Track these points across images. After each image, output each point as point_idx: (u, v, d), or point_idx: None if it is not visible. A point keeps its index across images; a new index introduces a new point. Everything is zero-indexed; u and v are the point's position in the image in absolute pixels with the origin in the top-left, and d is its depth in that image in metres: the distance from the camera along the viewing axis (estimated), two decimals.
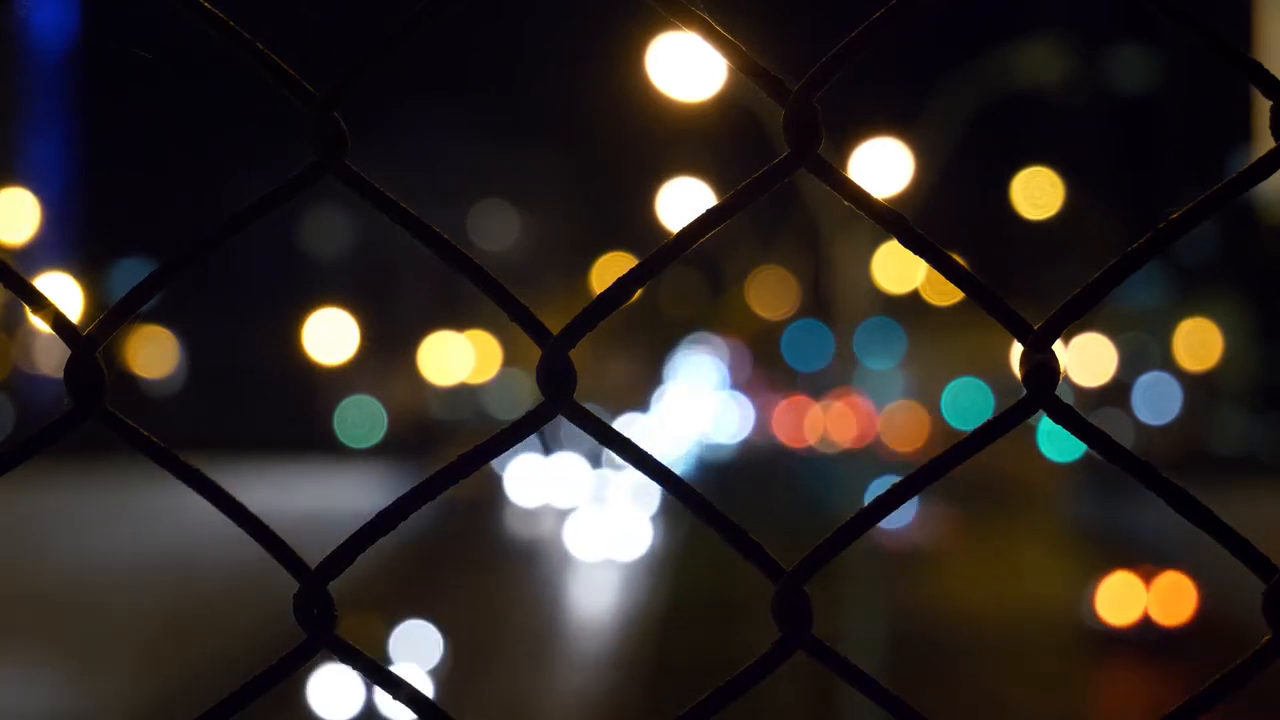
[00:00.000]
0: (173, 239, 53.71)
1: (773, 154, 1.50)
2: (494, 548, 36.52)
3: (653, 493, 38.87)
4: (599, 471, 40.86)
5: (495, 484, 43.78)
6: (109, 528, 37.08)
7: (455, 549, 33.82)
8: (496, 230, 67.54)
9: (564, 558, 34.72)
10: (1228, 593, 31.75)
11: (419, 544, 30.87)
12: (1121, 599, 30.70)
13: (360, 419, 61.25)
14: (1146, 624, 29.84)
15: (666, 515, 38.49)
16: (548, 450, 42.42)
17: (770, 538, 1.55)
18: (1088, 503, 39.48)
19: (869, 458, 24.02)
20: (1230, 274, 61.03)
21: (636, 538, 35.19)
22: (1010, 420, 1.49)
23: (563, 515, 39.32)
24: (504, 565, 33.67)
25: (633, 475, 39.77)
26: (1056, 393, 1.47)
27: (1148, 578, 30.59)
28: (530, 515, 41.40)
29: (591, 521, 36.24)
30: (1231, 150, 54.56)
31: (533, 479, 42.38)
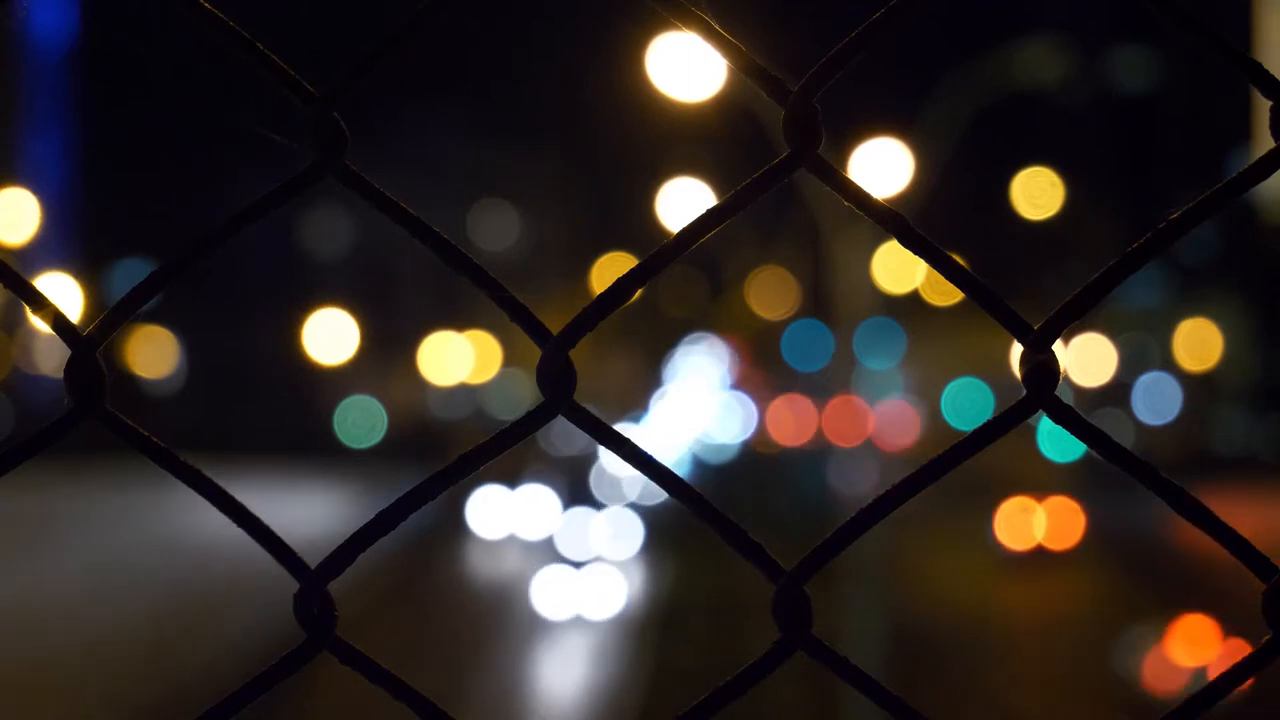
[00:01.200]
0: (173, 239, 53.74)
1: (773, 154, 1.50)
2: (446, 600, 30.08)
3: (634, 537, 34.22)
4: (572, 512, 34.81)
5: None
6: (101, 528, 37.07)
7: (399, 601, 28.23)
8: (496, 230, 67.54)
9: (528, 616, 28.29)
10: (1111, 517, 34.64)
11: (362, 588, 26.17)
12: (1017, 525, 33.50)
13: (360, 419, 61.26)
14: (1041, 550, 33.17)
15: (649, 560, 33.64)
16: (514, 484, 36.59)
17: (770, 538, 1.55)
18: (1088, 502, 39.57)
19: (848, 455, 24.20)
20: (1230, 274, 61.05)
21: (613, 590, 29.41)
22: (1010, 420, 1.49)
23: (529, 548, 34.10)
24: (452, 629, 27.05)
25: (612, 515, 34.75)
26: (1056, 393, 1.48)
27: (1039, 501, 33.76)
28: (493, 548, 35.69)
29: (560, 574, 30.00)
30: (1231, 150, 54.59)
31: (497, 510, 36.61)
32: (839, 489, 24.45)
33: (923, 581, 29.29)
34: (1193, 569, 29.49)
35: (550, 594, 28.77)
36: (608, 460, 39.04)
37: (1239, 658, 1.49)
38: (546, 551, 32.72)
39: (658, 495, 38.03)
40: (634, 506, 36.98)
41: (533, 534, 35.15)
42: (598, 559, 31.81)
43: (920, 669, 22.64)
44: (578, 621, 27.68)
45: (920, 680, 21.71)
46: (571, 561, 31.31)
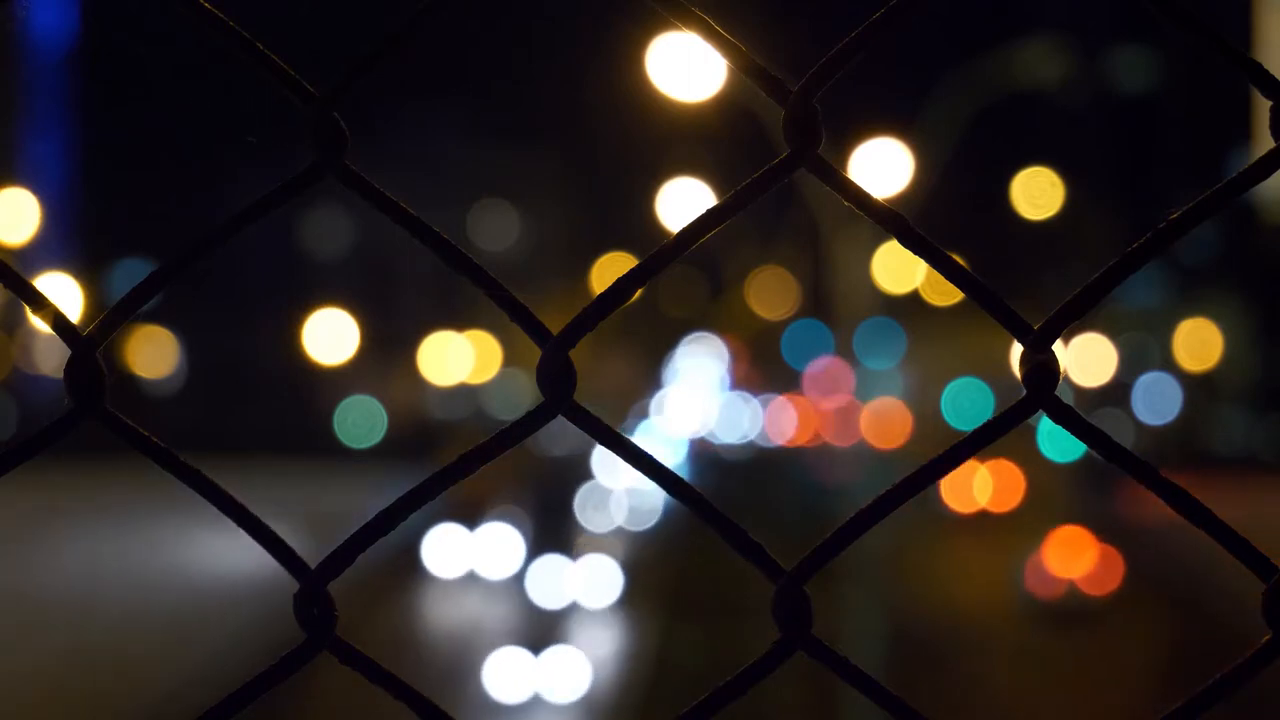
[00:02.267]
0: (173, 239, 53.74)
1: (773, 154, 1.50)
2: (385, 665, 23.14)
3: (613, 586, 29.21)
4: (540, 562, 29.65)
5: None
6: (98, 530, 37.03)
7: (321, 672, 20.08)
8: (496, 230, 67.56)
9: (478, 699, 22.50)
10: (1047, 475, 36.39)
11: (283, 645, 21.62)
12: (960, 487, 35.26)
13: (360, 419, 61.27)
14: (984, 514, 35.31)
15: (627, 616, 28.42)
16: (473, 524, 31.43)
17: (770, 538, 1.55)
18: (1088, 501, 39.70)
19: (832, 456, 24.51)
20: (1230, 274, 61.06)
21: (582, 663, 23.58)
22: (1010, 420, 1.49)
23: (490, 590, 29.93)
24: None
25: (592, 563, 29.76)
26: (1056, 393, 1.48)
27: (981, 462, 35.74)
28: (451, 589, 30.75)
29: (520, 654, 23.34)
30: (1231, 150, 54.59)
31: (455, 548, 31.68)
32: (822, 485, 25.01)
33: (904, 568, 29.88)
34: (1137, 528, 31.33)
35: (507, 670, 23.11)
36: (601, 477, 37.99)
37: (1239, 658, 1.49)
38: (511, 597, 28.99)
39: (646, 522, 36.98)
40: (620, 532, 35.03)
41: (492, 572, 30.94)
42: (572, 605, 28.13)
43: (920, 669, 22.66)
44: (537, 704, 22.77)
45: (920, 680, 21.72)
46: (542, 609, 27.77)
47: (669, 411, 58.51)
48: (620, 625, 27.87)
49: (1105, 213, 62.04)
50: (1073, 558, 28.87)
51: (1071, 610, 28.03)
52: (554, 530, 32.65)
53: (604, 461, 37.56)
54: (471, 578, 31.12)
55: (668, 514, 36.56)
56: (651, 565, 32.47)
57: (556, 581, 28.88)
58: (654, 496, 37.11)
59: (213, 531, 29.19)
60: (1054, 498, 37.94)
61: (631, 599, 29.05)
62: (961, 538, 35.63)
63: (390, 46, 1.49)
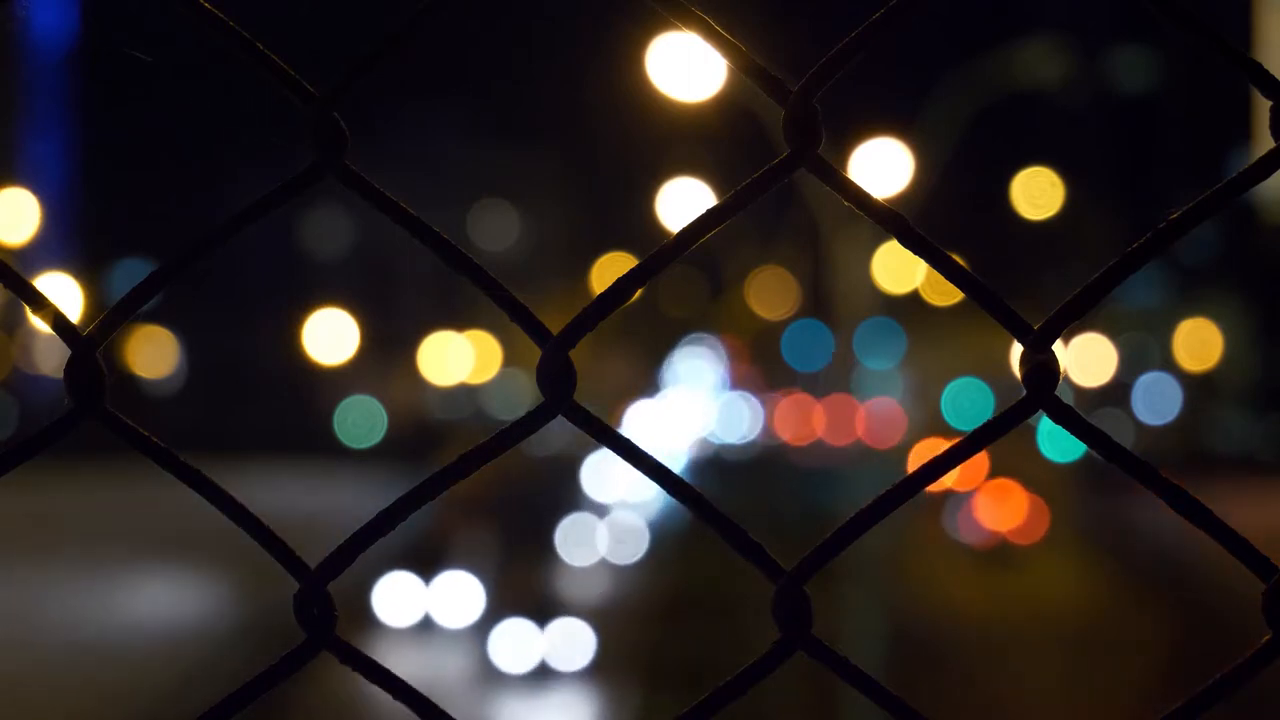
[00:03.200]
0: (173, 239, 53.74)
1: (773, 154, 1.50)
2: None
3: (586, 645, 24.90)
4: (501, 629, 25.29)
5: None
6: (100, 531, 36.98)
7: None
8: (496, 230, 67.55)
9: None
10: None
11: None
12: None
13: (360, 419, 61.25)
14: (950, 492, 36.39)
15: (605, 681, 24.54)
16: (428, 578, 27.23)
17: (770, 538, 1.55)
18: (1090, 503, 39.72)
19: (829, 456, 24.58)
20: (1230, 274, 61.06)
21: None
22: (1010, 420, 1.49)
23: (446, 648, 25.78)
24: None
25: (564, 624, 25.20)
26: (1056, 393, 1.48)
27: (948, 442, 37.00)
28: (405, 639, 26.56)
29: None
30: (1231, 150, 54.59)
31: (411, 597, 27.40)
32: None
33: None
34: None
35: None
36: (590, 489, 37.22)
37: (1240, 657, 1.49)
38: (471, 657, 25.46)
39: (633, 554, 35.65)
40: (604, 565, 33.01)
41: (451, 620, 27.16)
42: (542, 666, 24.63)
43: (920, 669, 22.66)
44: None
45: (920, 680, 21.73)
46: (507, 674, 24.59)
47: (669, 412, 58.47)
48: (594, 693, 24.45)
49: (1105, 213, 62.05)
50: (1002, 508, 30.65)
51: (1000, 557, 29.66)
52: (525, 572, 29.29)
53: (596, 467, 37.28)
54: (427, 629, 27.23)
55: (655, 542, 34.98)
56: (635, 611, 29.62)
57: (523, 641, 25.13)
58: (640, 516, 36.25)
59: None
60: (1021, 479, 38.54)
61: (606, 662, 25.20)
62: (931, 518, 36.21)
63: (390, 46, 1.49)
